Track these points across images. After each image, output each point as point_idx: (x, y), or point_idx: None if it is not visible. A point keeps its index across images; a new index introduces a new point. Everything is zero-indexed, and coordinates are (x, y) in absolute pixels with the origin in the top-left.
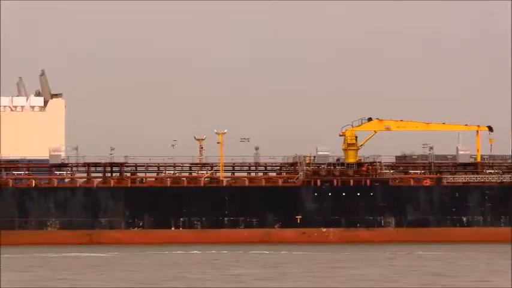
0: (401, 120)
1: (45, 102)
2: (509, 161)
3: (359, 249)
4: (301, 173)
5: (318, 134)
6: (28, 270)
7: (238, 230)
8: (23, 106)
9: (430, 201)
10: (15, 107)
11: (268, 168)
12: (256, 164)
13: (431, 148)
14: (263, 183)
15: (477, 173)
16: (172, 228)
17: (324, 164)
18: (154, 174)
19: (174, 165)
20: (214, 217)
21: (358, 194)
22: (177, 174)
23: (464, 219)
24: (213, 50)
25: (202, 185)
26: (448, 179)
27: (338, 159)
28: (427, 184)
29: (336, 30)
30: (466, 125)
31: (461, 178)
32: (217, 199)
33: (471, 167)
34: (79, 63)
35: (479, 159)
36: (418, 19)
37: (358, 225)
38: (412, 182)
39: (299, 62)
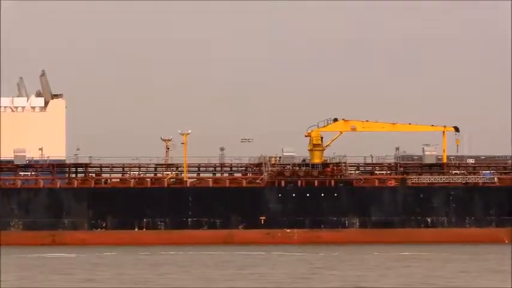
0: (367, 121)
1: (46, 103)
2: (510, 161)
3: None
4: (265, 174)
5: (285, 134)
6: None
7: (202, 231)
8: (24, 107)
9: (394, 202)
10: (16, 107)
11: (234, 169)
12: (222, 165)
13: (397, 149)
14: (227, 184)
15: (442, 174)
16: (136, 229)
17: (290, 164)
18: (120, 175)
19: (139, 166)
20: (177, 218)
21: (322, 194)
22: (142, 175)
23: (429, 219)
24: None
25: (165, 185)
26: (413, 179)
27: (304, 160)
28: (392, 185)
29: (302, 31)
30: (432, 125)
31: (425, 179)
32: (180, 200)
33: (437, 167)
34: (79, 63)
35: (445, 160)
36: (386, 22)
37: (322, 226)
38: (376, 183)
39: (264, 63)
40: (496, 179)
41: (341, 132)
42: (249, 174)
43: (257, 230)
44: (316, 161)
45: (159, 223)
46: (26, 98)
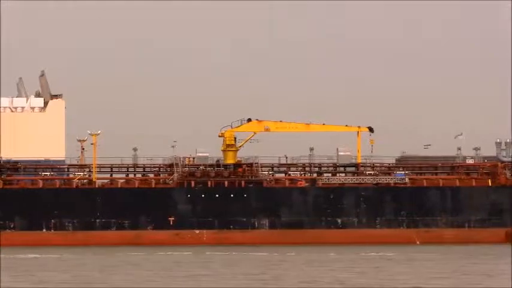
0: (280, 121)
1: (45, 103)
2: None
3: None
4: (175, 175)
5: (199, 135)
6: None
7: (110, 232)
8: (23, 107)
9: (304, 202)
10: (15, 108)
11: (147, 169)
12: (135, 166)
13: (311, 149)
14: (136, 185)
15: (353, 174)
16: (44, 230)
17: (202, 165)
18: (32, 176)
19: (52, 167)
20: (85, 219)
21: (232, 195)
22: (53, 176)
23: (339, 220)
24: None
25: (74, 186)
26: (323, 180)
27: (218, 161)
28: (302, 185)
29: (218, 31)
30: (346, 125)
31: (336, 179)
32: (89, 201)
33: (352, 168)
34: (79, 63)
35: (359, 160)
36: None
37: (231, 226)
38: (287, 184)
39: (181, 63)
40: (407, 180)
41: (255, 133)
42: (162, 175)
43: (166, 231)
44: (229, 161)
45: (67, 224)
46: (25, 99)
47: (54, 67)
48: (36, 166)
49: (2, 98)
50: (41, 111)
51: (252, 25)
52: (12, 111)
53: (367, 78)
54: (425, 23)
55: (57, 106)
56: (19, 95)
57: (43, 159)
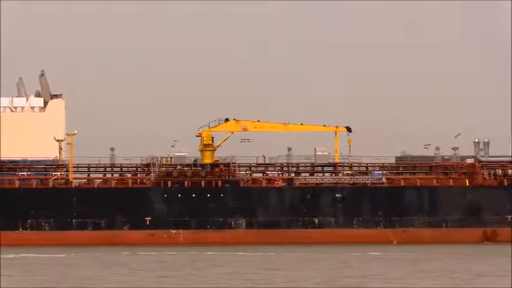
0: (258, 121)
1: (45, 103)
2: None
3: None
4: (152, 174)
5: (177, 135)
6: None
7: (86, 232)
8: (23, 107)
9: (281, 202)
10: (15, 107)
11: (125, 169)
12: (112, 166)
13: (289, 149)
14: (113, 185)
15: (331, 174)
16: (20, 230)
17: (180, 165)
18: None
19: (29, 167)
20: (62, 219)
21: (208, 195)
22: (30, 176)
23: (316, 220)
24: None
25: (51, 186)
26: (300, 180)
27: (195, 160)
28: (279, 185)
29: (201, 32)
30: (324, 125)
31: (313, 179)
32: (65, 201)
33: (330, 167)
34: (79, 63)
35: (337, 160)
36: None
37: (208, 226)
38: (264, 183)
39: (161, 63)
40: (384, 180)
41: (232, 133)
42: (139, 175)
43: (142, 231)
44: (207, 161)
45: (43, 224)
46: (25, 98)
47: (54, 67)
48: (13, 166)
49: (2, 98)
50: (41, 111)
51: (230, 25)
52: (12, 111)
53: (367, 79)
54: (425, 23)
55: (57, 106)
56: (19, 95)
57: (46, 159)
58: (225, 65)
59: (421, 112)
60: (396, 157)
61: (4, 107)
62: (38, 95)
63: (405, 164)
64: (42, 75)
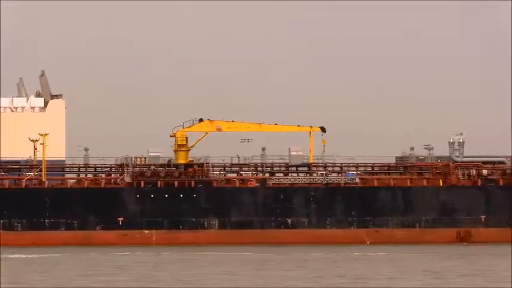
0: (232, 121)
1: (45, 103)
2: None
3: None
4: (126, 175)
5: (152, 135)
6: None
7: (59, 232)
8: (23, 107)
9: (254, 202)
10: (16, 107)
11: (99, 169)
12: (86, 166)
13: (263, 149)
14: (86, 185)
15: (305, 175)
16: None
17: (153, 165)
18: None
19: (3, 166)
20: (35, 219)
21: (181, 195)
22: (4, 176)
23: (289, 220)
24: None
25: (23, 186)
26: (274, 180)
27: (169, 161)
28: (252, 185)
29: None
30: (298, 125)
31: (286, 179)
32: (38, 201)
33: (304, 168)
34: (79, 63)
35: (311, 160)
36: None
37: (181, 227)
38: (237, 184)
39: (133, 62)
40: (357, 180)
41: (206, 133)
42: (113, 175)
43: (115, 231)
44: (181, 161)
45: (16, 224)
46: (25, 99)
47: (54, 67)
48: None
49: (2, 98)
50: (41, 111)
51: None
52: (12, 111)
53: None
54: (425, 24)
55: (57, 106)
56: (19, 95)
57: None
58: (199, 65)
59: (421, 112)
60: (396, 157)
61: (4, 107)
62: (38, 95)
63: (380, 165)
64: (43, 75)
